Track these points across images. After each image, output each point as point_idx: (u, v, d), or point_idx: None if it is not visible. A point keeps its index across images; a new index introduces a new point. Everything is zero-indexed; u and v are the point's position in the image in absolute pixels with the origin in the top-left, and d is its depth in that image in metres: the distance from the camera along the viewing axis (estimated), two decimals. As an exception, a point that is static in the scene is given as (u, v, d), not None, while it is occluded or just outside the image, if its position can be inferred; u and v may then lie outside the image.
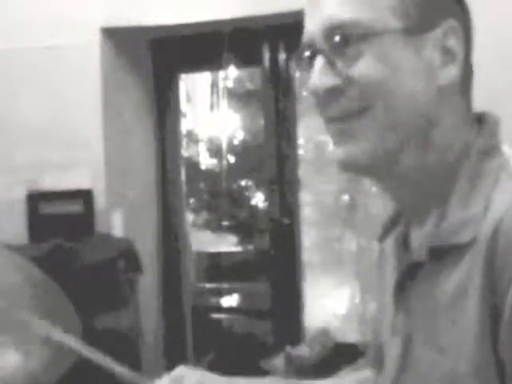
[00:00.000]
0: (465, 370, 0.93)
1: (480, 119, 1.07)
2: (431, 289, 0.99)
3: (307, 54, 1.04)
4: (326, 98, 1.02)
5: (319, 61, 1.02)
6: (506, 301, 0.90)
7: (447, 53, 1.02)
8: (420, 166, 1.03)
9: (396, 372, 1.05)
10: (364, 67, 1.00)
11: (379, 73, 1.00)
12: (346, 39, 1.00)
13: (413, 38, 1.01)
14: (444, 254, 0.98)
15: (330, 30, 1.01)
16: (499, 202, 0.96)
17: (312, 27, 1.04)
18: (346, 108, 1.02)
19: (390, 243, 1.14)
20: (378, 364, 1.15)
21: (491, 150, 1.03)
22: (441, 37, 1.02)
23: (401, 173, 1.03)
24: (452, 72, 1.02)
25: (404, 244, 1.09)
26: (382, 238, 1.16)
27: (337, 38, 1.01)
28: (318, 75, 1.02)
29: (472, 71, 1.07)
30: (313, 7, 1.04)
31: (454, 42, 1.02)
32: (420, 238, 1.04)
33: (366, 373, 1.33)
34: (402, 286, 1.04)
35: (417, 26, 1.01)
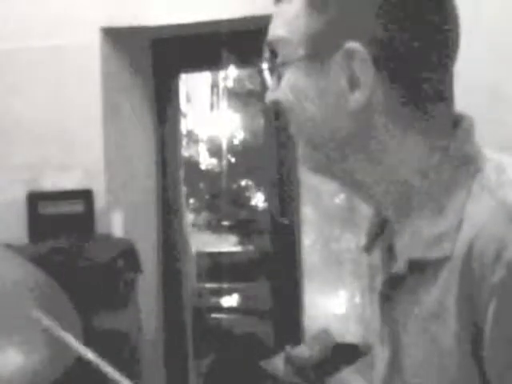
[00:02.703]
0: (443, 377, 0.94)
1: (455, 123, 1.03)
2: (413, 302, 0.98)
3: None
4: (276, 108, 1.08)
5: (271, 77, 1.08)
6: (486, 319, 0.89)
7: (351, 77, 0.99)
8: (375, 178, 1.02)
9: (385, 380, 1.05)
10: (281, 91, 1.05)
11: (288, 98, 1.03)
12: (273, 60, 1.06)
13: (316, 64, 1.01)
14: (422, 267, 0.97)
15: (267, 45, 1.07)
16: (473, 216, 0.94)
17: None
18: (288, 119, 1.07)
19: (377, 253, 1.12)
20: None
21: (464, 158, 1.00)
22: (341, 61, 0.99)
23: (353, 179, 1.04)
24: (358, 97, 0.99)
25: (389, 252, 1.07)
26: (368, 248, 1.13)
27: (270, 57, 1.06)
28: (269, 89, 1.08)
29: (420, 85, 1.00)
30: None
31: (357, 65, 0.98)
32: (399, 248, 1.03)
33: None
34: (386, 297, 1.03)
35: (320, 52, 1.00)
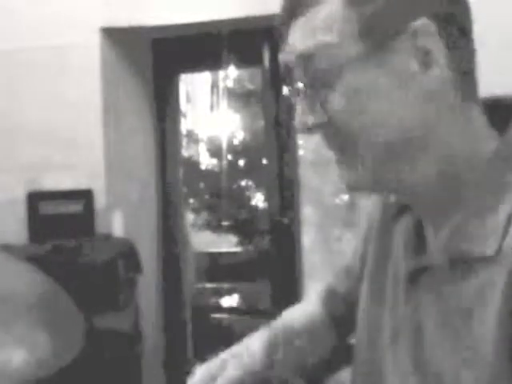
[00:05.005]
0: (479, 375, 0.90)
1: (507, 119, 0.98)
2: (445, 289, 0.96)
3: (289, 85, 1.00)
4: (315, 133, 0.99)
5: (300, 98, 0.98)
6: None
7: (424, 55, 0.93)
8: (429, 176, 0.96)
9: (404, 375, 1.01)
10: (336, 103, 0.94)
11: (352, 105, 0.94)
12: (314, 73, 0.95)
13: (377, 55, 0.93)
14: (460, 263, 0.94)
15: (300, 63, 0.97)
16: None
17: (286, 57, 0.99)
18: (333, 143, 0.98)
19: (399, 230, 1.08)
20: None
21: None
22: (409, 41, 0.92)
23: (409, 186, 0.98)
24: (435, 73, 0.93)
25: (418, 237, 1.03)
26: (393, 219, 1.09)
27: (307, 72, 0.96)
28: (300, 113, 0.98)
29: (472, 60, 0.97)
30: (283, 33, 0.99)
31: (427, 42, 0.92)
32: (437, 241, 0.99)
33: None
34: (413, 280, 1.00)
35: (381, 40, 0.93)
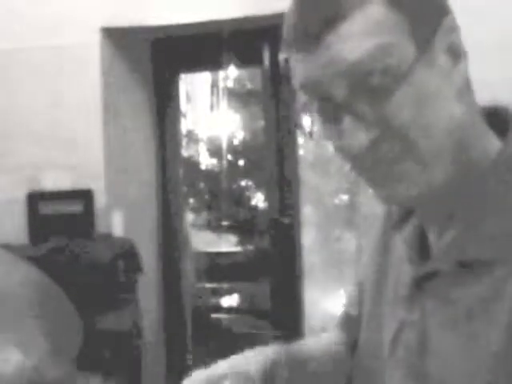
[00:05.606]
0: (487, 381, 0.88)
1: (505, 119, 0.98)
2: (452, 294, 0.94)
3: (325, 108, 0.91)
4: (365, 154, 0.91)
5: (345, 119, 0.90)
6: None
7: (453, 51, 0.91)
8: (454, 179, 0.93)
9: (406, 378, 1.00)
10: (398, 111, 0.88)
11: (413, 108, 0.88)
12: (367, 83, 0.88)
13: (428, 53, 0.89)
14: (468, 266, 0.92)
15: (346, 76, 0.88)
16: None
17: (317, 72, 0.90)
18: (383, 155, 0.91)
19: (402, 236, 1.05)
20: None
21: None
22: (443, 37, 0.90)
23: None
24: (463, 68, 0.92)
25: (420, 243, 1.02)
26: (396, 226, 1.06)
27: (357, 84, 0.88)
28: (349, 136, 0.90)
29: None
30: (309, 45, 0.89)
31: (455, 38, 0.92)
32: (440, 246, 0.97)
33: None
34: (418, 286, 0.98)
35: (428, 38, 0.89)
